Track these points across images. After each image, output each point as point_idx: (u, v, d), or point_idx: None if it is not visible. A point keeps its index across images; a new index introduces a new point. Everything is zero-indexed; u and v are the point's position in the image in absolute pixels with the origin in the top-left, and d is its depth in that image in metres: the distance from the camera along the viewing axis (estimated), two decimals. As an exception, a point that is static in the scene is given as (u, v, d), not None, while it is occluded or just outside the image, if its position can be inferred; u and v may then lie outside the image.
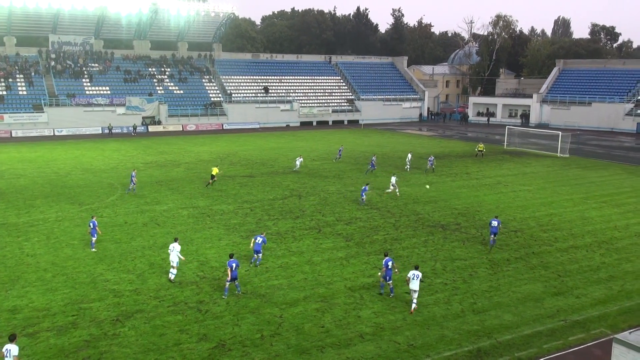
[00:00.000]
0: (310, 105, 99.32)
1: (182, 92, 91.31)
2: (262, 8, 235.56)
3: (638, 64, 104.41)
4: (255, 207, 37.28)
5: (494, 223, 28.97)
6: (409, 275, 21.55)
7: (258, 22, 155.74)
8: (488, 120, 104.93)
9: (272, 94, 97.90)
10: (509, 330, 20.05)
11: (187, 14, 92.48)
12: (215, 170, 43.89)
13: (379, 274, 22.96)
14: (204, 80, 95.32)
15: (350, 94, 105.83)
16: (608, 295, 23.27)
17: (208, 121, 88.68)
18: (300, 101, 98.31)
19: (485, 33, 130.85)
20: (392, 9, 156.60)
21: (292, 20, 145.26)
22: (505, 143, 69.35)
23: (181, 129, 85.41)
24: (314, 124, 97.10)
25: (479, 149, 61.02)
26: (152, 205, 37.38)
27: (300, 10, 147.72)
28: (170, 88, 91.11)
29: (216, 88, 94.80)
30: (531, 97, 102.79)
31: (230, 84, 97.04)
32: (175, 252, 24.17)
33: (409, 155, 53.21)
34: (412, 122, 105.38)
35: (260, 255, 26.10)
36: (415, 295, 21.43)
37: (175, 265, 24.04)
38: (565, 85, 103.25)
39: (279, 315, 20.87)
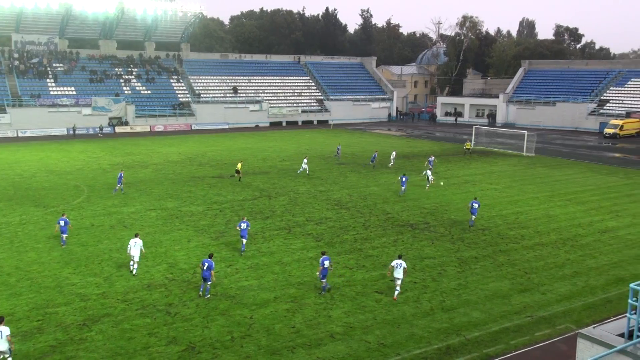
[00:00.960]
0: (280, 105, 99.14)
1: (149, 92, 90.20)
2: (231, 8, 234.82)
3: (600, 64, 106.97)
4: (224, 208, 37.05)
5: (475, 205, 32.72)
6: (392, 264, 22.68)
7: (226, 22, 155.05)
8: (456, 120, 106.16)
9: (241, 94, 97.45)
10: (477, 327, 20.32)
11: (154, 13, 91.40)
12: (239, 166, 46.41)
13: (317, 273, 23.31)
14: (172, 81, 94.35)
15: (320, 94, 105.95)
16: (573, 291, 23.76)
17: (176, 122, 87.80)
18: (270, 101, 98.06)
19: (453, 34, 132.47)
20: (361, 10, 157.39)
21: (261, 20, 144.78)
22: (473, 143, 70.25)
23: (149, 130, 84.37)
24: (284, 124, 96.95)
25: (467, 147, 61.99)
26: (120, 207, 36.85)
27: (269, 11, 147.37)
28: (137, 88, 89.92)
29: (184, 88, 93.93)
30: (497, 97, 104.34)
31: (199, 84, 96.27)
32: (138, 246, 24.59)
33: (394, 153, 54.60)
34: (381, 122, 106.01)
35: (245, 240, 27.47)
36: (399, 282, 22.50)
37: (137, 260, 24.66)
38: (531, 85, 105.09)
39: (249, 317, 20.79)
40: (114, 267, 25.66)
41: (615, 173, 52.26)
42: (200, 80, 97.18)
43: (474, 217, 33.05)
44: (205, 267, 22.13)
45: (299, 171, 49.60)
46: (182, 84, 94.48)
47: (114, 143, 69.75)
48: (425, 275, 25.19)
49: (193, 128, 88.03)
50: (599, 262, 27.47)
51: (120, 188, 40.90)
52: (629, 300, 10.39)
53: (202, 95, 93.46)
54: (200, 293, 22.47)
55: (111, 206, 36.98)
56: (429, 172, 44.25)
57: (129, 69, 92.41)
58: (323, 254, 23.34)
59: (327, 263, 22.59)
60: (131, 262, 24.86)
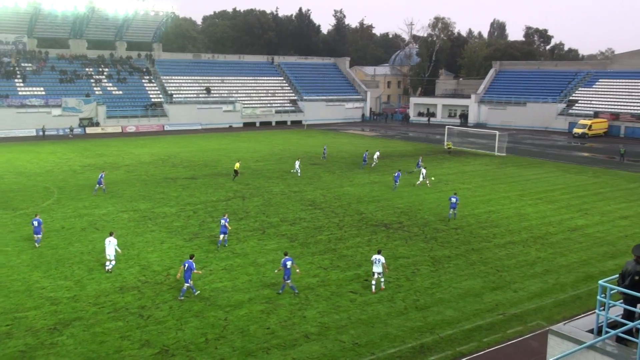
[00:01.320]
0: (253, 106, 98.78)
1: (121, 92, 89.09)
2: (204, 8, 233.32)
3: (569, 65, 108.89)
4: (198, 209, 36.79)
5: (453, 200, 34.79)
6: (372, 258, 23.58)
7: (199, 22, 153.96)
8: (429, 120, 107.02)
9: (215, 95, 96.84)
10: (450, 326, 20.50)
11: (125, 12, 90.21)
12: (237, 165, 47.08)
13: (276, 271, 23.43)
14: (144, 81, 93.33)
15: (293, 94, 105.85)
16: (543, 289, 24.13)
17: (149, 122, 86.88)
18: (243, 102, 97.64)
19: (425, 35, 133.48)
20: (334, 10, 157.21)
21: (234, 20, 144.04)
22: (446, 143, 70.88)
23: (120, 131, 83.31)
24: (257, 124, 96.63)
25: (448, 146, 62.49)
26: (91, 209, 36.32)
27: (242, 11, 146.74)
28: (108, 89, 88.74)
29: (157, 88, 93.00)
30: (469, 97, 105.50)
31: (171, 85, 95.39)
32: (112, 245, 24.90)
33: (377, 153, 55.70)
34: (354, 122, 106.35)
35: (226, 236, 28.74)
36: (377, 276, 23.25)
37: (112, 258, 24.91)
38: (502, 86, 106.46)
39: (223, 318, 20.66)
40: (85, 270, 25.27)
41: (584, 172, 53.24)
42: (172, 81, 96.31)
43: (452, 210, 34.93)
44: (185, 268, 22.24)
45: (291, 171, 50.16)
46: (154, 84, 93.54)
47: (85, 144, 68.73)
48: (399, 275, 25.33)
49: (166, 129, 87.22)
50: (568, 260, 27.94)
51: (102, 188, 40.76)
52: (598, 297, 10.56)
53: (174, 96, 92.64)
54: (181, 298, 22.16)
55: (82, 208, 36.44)
56: (423, 170, 45.87)
57: (100, 69, 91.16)
58: (285, 254, 23.46)
59: (289, 264, 22.66)
60: (107, 262, 24.99)
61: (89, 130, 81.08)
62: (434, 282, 24.55)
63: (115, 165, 53.34)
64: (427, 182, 45.01)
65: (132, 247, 28.45)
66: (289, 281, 22.83)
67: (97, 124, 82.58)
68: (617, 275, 11.31)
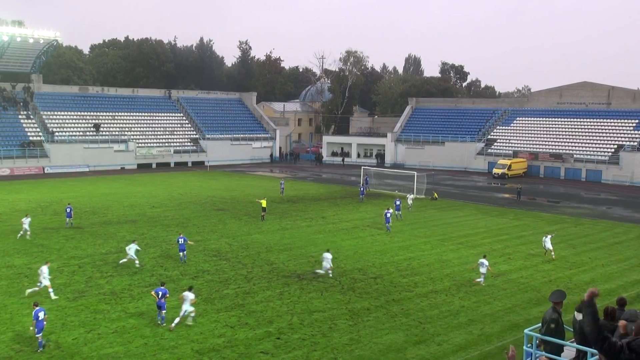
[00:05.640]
0: (149, 145, 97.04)
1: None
2: (91, 36, 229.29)
3: (486, 103, 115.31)
4: (84, 263, 35.32)
5: (397, 202, 49.13)
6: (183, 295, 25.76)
7: (86, 51, 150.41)
8: (343, 160, 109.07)
9: (104, 133, 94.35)
10: (371, 386, 20.55)
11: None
12: (264, 203, 49.90)
13: (31, 328, 23.02)
14: (20, 117, 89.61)
15: (195, 132, 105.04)
16: (468, 340, 24.79)
17: (26, 164, 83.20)
18: (137, 140, 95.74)
19: (337, 69, 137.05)
20: (239, 41, 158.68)
21: (126, 50, 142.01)
22: (361, 184, 72.33)
23: (-9, 174, 79.23)
24: (154, 166, 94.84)
25: (435, 197, 63.29)
26: (-46, 266, 34.02)
27: (135, 40, 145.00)
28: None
29: (36, 125, 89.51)
30: (386, 136, 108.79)
31: (53, 121, 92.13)
32: (43, 275, 28.83)
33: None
34: (263, 162, 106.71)
35: (185, 252, 35.36)
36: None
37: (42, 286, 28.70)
38: (419, 124, 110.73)
39: (114, 390, 19.72)
40: (-54, 339, 23.46)
41: (505, 214, 55.84)
42: (54, 117, 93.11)
43: (399, 212, 49.20)
44: (159, 296, 24.90)
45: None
46: (33, 121, 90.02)
47: (-53, 190, 64.70)
48: (315, 331, 25.26)
49: (46, 172, 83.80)
50: (493, 308, 28.95)
51: (70, 222, 45.43)
52: (524, 347, 10.99)
53: (56, 134, 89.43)
54: (159, 322, 24.97)
55: (-58, 265, 34.04)
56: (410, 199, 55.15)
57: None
58: (35, 305, 23.36)
59: (42, 315, 22.49)
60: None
61: (-48, 173, 76.59)
62: (353, 338, 24.64)
63: (-15, 214, 50.46)
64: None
65: (4, 310, 26.78)
66: (39, 335, 22.46)
67: (-37, 166, 78.18)
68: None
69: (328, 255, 33.22)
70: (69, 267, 34.30)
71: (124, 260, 34.88)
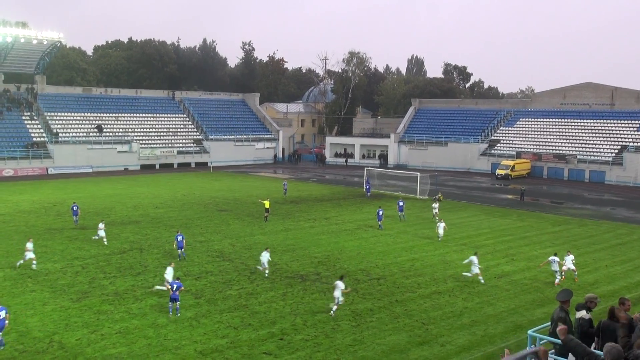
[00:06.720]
0: (152, 146, 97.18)
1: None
2: (95, 37, 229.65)
3: (490, 104, 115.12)
4: (87, 264, 35.36)
5: (400, 203, 49.36)
6: (334, 284, 27.44)
7: (90, 52, 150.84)
8: (346, 161, 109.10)
9: (108, 134, 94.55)
10: (374, 387, 20.53)
11: (2, 40, 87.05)
12: (267, 204, 50.17)
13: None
14: (24, 118, 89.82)
15: (198, 133, 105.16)
16: (472, 341, 24.75)
17: (29, 165, 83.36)
18: (141, 142, 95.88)
19: (340, 70, 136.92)
20: (243, 42, 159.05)
21: (129, 51, 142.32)
22: (365, 185, 72.33)
23: (-5, 175, 79.45)
24: (157, 166, 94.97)
25: (440, 198, 62.85)
26: (-43, 266, 34.11)
27: (139, 41, 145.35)
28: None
29: (39, 126, 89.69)
30: (389, 137, 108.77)
31: (57, 122, 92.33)
32: (29, 249, 33.77)
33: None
34: (266, 163, 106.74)
35: (183, 250, 36.09)
36: (337, 301, 26.96)
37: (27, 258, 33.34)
38: (422, 124, 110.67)
39: (117, 390, 19.74)
40: (-50, 339, 23.51)
41: (509, 215, 55.76)
42: (58, 118, 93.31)
43: (402, 213, 50.54)
44: (174, 289, 25.98)
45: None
46: (37, 122, 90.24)
47: (-49, 190, 64.87)
48: (318, 332, 25.25)
49: (50, 172, 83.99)
50: (496, 309, 28.90)
51: (75, 220, 46.72)
52: (528, 348, 10.96)
53: (60, 135, 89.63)
54: (170, 314, 26.01)
55: (-54, 266, 34.15)
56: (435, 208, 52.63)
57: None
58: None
59: (2, 314, 22.66)
60: None
61: (-44, 174, 76.80)
62: (356, 339, 24.62)
63: (-12, 214, 50.60)
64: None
65: (8, 311, 26.80)
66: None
67: (-33, 167, 78.38)
68: (547, 324, 11.86)
69: (266, 254, 33.64)
70: (73, 268, 34.35)
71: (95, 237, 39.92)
